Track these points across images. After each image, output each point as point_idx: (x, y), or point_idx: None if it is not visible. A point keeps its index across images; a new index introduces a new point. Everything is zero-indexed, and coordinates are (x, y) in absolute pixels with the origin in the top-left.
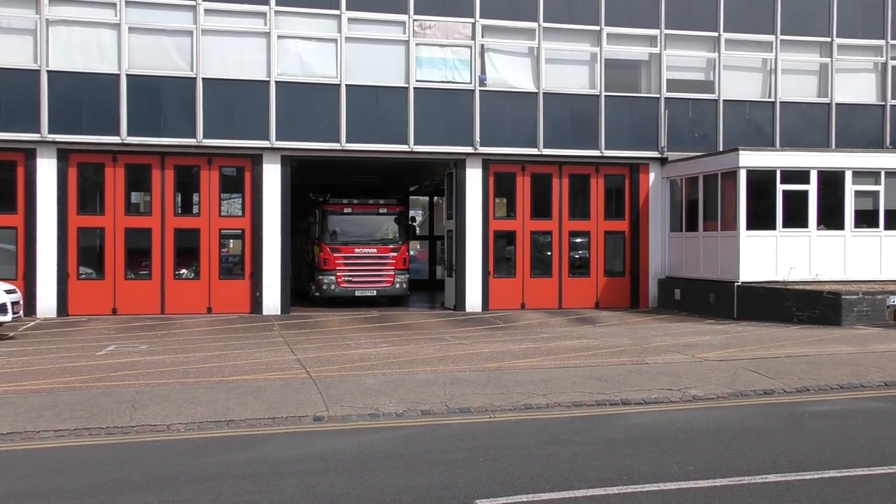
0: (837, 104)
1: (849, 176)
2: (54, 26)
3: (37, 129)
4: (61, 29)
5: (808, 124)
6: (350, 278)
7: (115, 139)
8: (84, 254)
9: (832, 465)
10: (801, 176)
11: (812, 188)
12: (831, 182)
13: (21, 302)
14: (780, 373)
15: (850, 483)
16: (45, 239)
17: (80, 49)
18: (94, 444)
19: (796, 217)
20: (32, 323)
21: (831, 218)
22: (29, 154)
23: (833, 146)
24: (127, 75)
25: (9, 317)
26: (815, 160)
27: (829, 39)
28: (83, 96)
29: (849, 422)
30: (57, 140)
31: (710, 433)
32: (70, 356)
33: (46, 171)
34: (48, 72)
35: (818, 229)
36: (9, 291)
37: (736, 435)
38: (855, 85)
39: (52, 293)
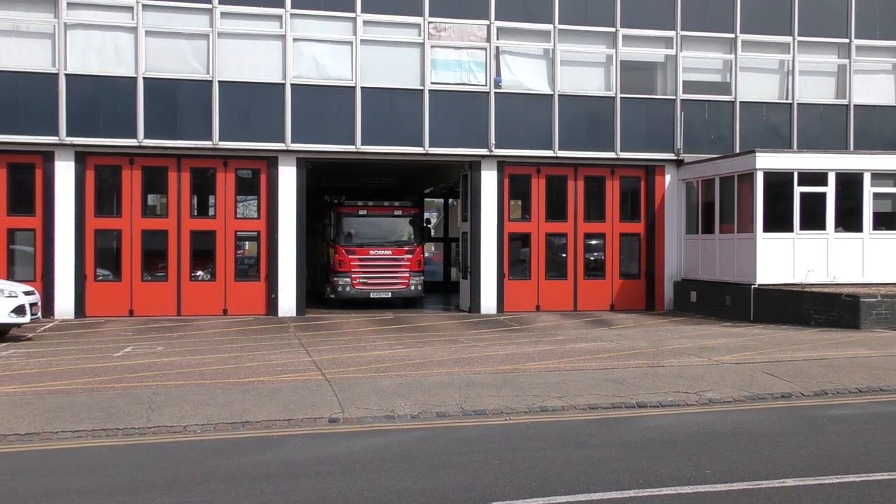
0: (856, 106)
1: (867, 178)
2: (72, 30)
3: (55, 132)
4: (79, 33)
5: (825, 126)
6: (365, 280)
7: (131, 142)
8: (101, 256)
9: (851, 470)
10: (818, 178)
11: (830, 190)
12: (849, 184)
13: (39, 303)
14: (797, 376)
15: (870, 488)
16: (62, 241)
17: (97, 52)
18: (111, 445)
19: (814, 219)
20: (50, 324)
21: (849, 220)
22: (47, 157)
23: (851, 148)
24: (144, 78)
25: (27, 318)
26: (832, 162)
27: (847, 41)
28: (100, 99)
29: (868, 426)
30: (75, 143)
31: (726, 436)
32: (87, 357)
33: (64, 173)
34: (66, 75)
35: (836, 231)
36: (27, 293)
37: (753, 438)
38: (873, 86)
39: (69, 295)
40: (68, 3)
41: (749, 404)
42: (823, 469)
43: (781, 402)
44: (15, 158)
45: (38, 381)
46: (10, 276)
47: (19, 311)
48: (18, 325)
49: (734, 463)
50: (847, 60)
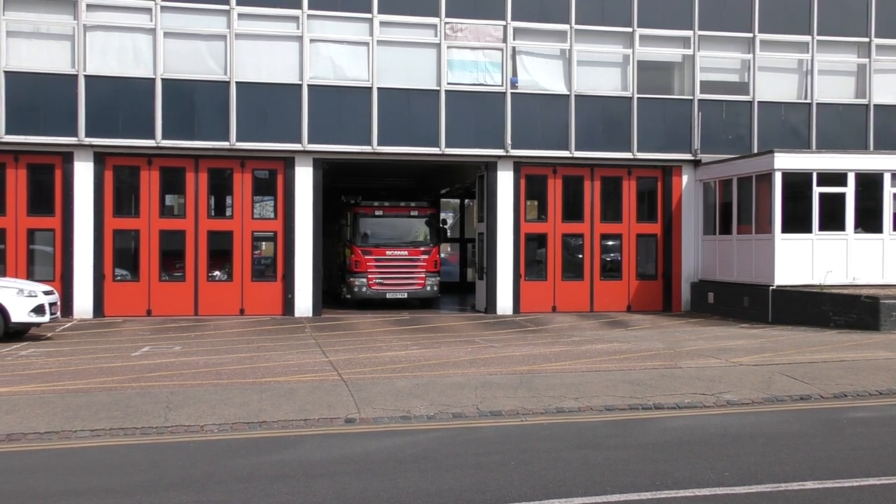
0: (875, 105)
1: (887, 178)
2: (91, 32)
3: (74, 133)
4: (98, 34)
5: (845, 126)
6: (381, 281)
7: (150, 142)
8: (119, 255)
9: (871, 473)
10: (838, 178)
11: (849, 191)
12: (869, 184)
13: (58, 303)
14: (816, 378)
15: (890, 491)
16: (81, 241)
17: (116, 54)
18: (129, 444)
19: (833, 220)
20: (69, 324)
21: (869, 221)
22: (66, 157)
23: (871, 148)
24: (162, 79)
25: (46, 318)
26: (852, 162)
27: (867, 40)
28: (119, 100)
29: (888, 428)
30: (94, 143)
31: (745, 439)
32: (106, 357)
33: (83, 174)
34: (85, 76)
35: (856, 232)
36: (46, 293)
37: (772, 441)
38: (894, 86)
39: (88, 294)
40: (88, 5)
41: (767, 406)
42: (843, 472)
43: (800, 404)
44: (35, 159)
45: (56, 380)
46: (30, 276)
47: (39, 310)
48: (38, 325)
49: (752, 465)
50: (867, 60)
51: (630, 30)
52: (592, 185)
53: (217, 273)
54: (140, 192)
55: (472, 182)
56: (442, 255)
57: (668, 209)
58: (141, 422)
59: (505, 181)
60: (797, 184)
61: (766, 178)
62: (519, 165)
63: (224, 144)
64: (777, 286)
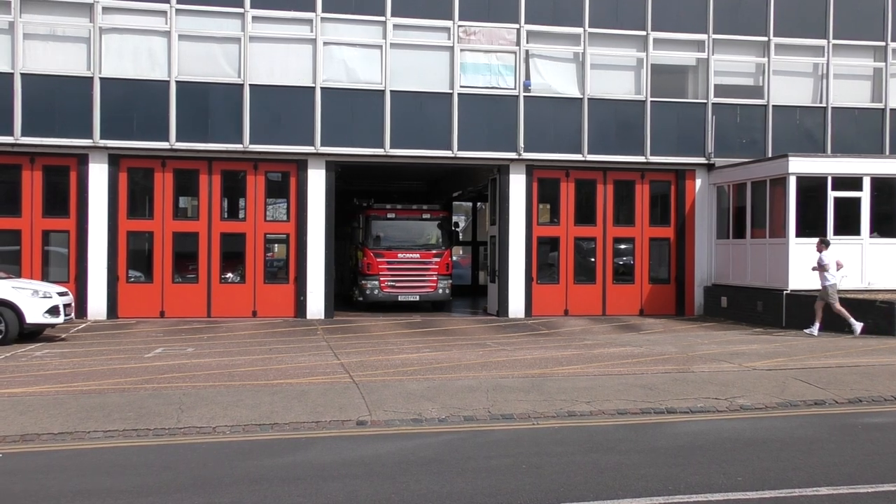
0: (892, 109)
1: None
2: (107, 34)
3: (89, 135)
4: (114, 37)
5: (860, 130)
6: (393, 283)
7: (164, 145)
8: (133, 257)
9: (887, 479)
10: (853, 182)
11: (865, 195)
12: (885, 189)
13: (73, 304)
14: (831, 383)
15: None
16: (95, 242)
17: (131, 56)
18: (142, 445)
19: (848, 224)
20: (83, 325)
21: (885, 225)
22: (81, 159)
23: (887, 152)
24: (176, 82)
25: (61, 319)
26: (868, 166)
27: (882, 43)
28: (134, 103)
29: None
30: (108, 145)
31: (758, 443)
32: (119, 358)
33: (98, 175)
34: (101, 79)
35: (871, 237)
36: (61, 294)
37: (785, 446)
38: None
39: (102, 296)
40: (104, 8)
41: (781, 411)
42: (858, 478)
43: (814, 409)
44: (50, 161)
45: (70, 380)
46: (45, 277)
47: (53, 311)
48: (52, 326)
49: (766, 470)
50: (883, 63)
51: (644, 33)
52: (605, 189)
53: (230, 275)
54: (154, 194)
55: (485, 185)
56: (454, 258)
57: (682, 213)
58: (154, 423)
59: (517, 184)
60: (812, 188)
61: (780, 182)
62: (531, 169)
63: (237, 147)
64: (791, 291)
